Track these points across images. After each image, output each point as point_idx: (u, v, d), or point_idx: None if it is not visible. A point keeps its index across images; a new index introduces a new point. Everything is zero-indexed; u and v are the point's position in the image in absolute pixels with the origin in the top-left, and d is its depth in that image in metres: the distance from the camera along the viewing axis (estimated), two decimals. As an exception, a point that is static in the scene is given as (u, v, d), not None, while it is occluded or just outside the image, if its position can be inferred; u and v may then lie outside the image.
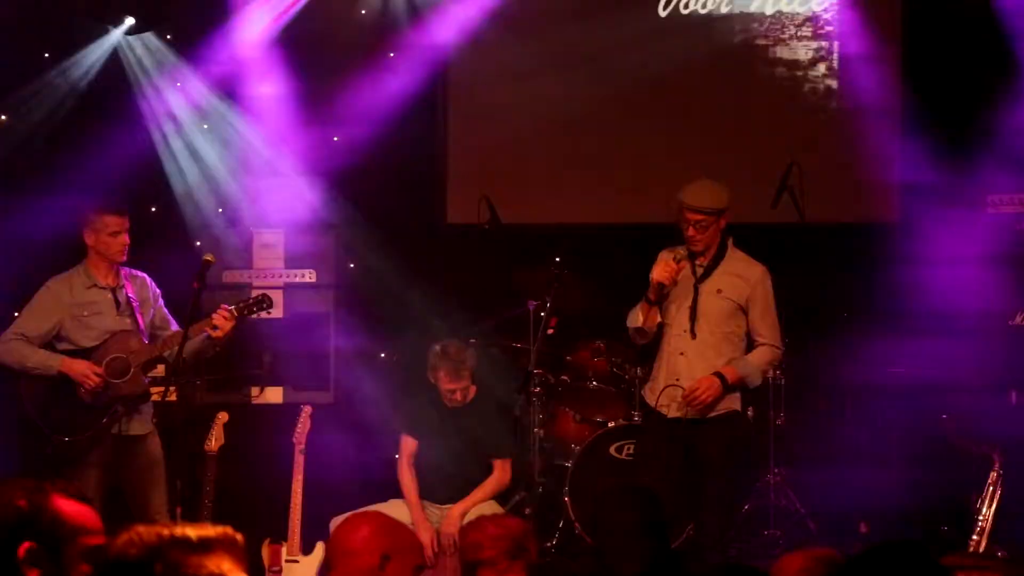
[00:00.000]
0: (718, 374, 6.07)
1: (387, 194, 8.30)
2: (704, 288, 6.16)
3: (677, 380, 6.16)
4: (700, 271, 6.20)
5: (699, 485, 6.07)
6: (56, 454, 6.25)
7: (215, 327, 6.23)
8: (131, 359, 6.27)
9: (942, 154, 7.94)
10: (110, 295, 6.37)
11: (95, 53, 8.05)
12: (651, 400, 6.30)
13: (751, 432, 7.41)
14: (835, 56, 8.43)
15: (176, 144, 8.19)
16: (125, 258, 6.39)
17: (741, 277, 6.18)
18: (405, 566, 3.65)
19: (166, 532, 2.25)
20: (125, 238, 6.35)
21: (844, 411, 7.92)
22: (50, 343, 6.32)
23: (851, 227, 8.17)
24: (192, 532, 2.26)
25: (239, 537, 2.29)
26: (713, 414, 6.12)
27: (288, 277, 8.33)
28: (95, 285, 6.37)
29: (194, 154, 8.21)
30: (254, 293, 8.19)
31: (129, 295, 6.40)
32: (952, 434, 6.77)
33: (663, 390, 6.19)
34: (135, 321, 6.37)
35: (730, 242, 6.27)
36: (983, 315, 7.66)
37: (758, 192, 7.86)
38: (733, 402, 6.19)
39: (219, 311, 6.27)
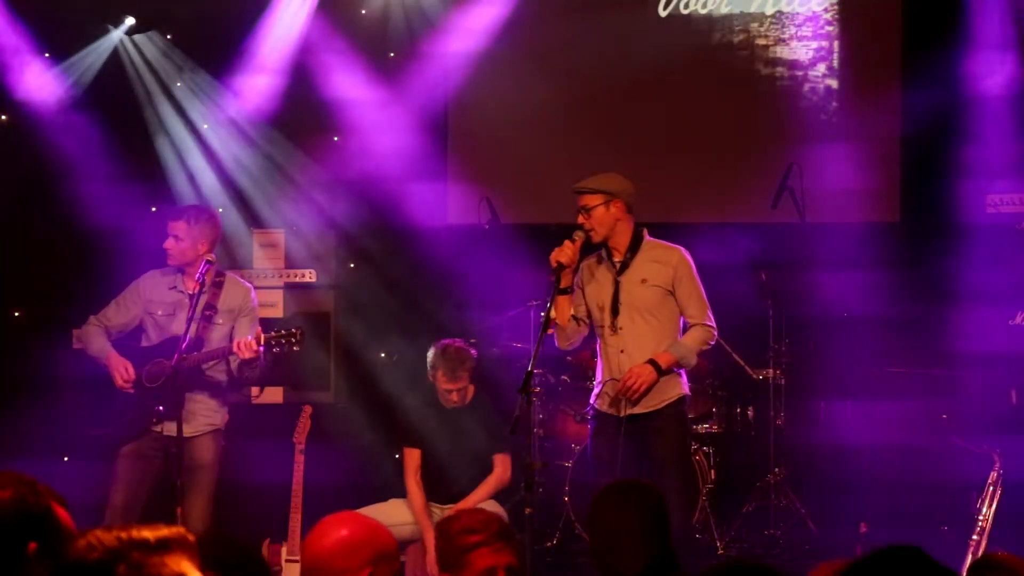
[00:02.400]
0: (651, 361, 6.00)
1: (387, 194, 8.30)
2: (626, 280, 6.10)
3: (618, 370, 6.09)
4: (618, 266, 6.17)
5: (658, 483, 6.01)
6: (87, 445, 6.52)
7: (235, 352, 6.27)
8: (167, 367, 6.30)
9: (942, 154, 7.94)
10: (187, 300, 6.40)
11: (95, 52, 8.07)
12: (596, 403, 6.22)
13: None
14: (835, 56, 8.43)
15: (177, 143, 8.20)
16: (172, 262, 6.48)
17: (660, 262, 6.11)
18: (389, 570, 3.45)
19: (124, 534, 2.27)
20: (167, 242, 6.46)
21: (845, 410, 7.93)
22: (135, 334, 6.55)
23: (851, 227, 8.17)
24: (149, 533, 2.27)
25: (191, 537, 2.32)
26: (662, 404, 6.04)
27: (288, 277, 8.33)
28: (176, 287, 6.51)
29: (195, 153, 8.22)
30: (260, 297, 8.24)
31: (212, 303, 6.43)
32: (952, 434, 6.78)
33: (603, 386, 6.13)
34: (203, 329, 6.40)
35: (645, 233, 6.22)
36: (983, 315, 7.67)
37: (758, 192, 7.87)
38: (680, 388, 6.09)
39: (243, 342, 6.24)
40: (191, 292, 6.36)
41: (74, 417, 6.62)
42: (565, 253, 6.00)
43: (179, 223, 6.44)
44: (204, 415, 6.46)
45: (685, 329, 6.15)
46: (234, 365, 6.41)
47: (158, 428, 6.37)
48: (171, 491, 6.27)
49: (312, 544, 3.43)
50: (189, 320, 6.18)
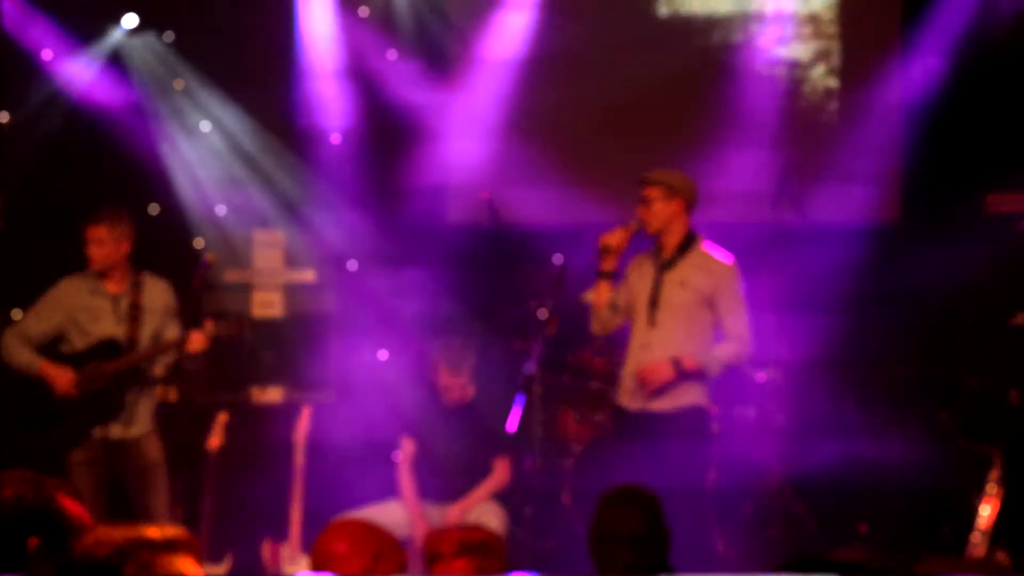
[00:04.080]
0: (673, 359, 6.00)
1: (388, 193, 8.31)
2: (667, 278, 6.11)
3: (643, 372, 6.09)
4: (664, 263, 6.18)
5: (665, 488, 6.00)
6: (33, 452, 6.38)
7: (189, 344, 6.27)
8: (106, 368, 6.29)
9: (943, 153, 7.95)
10: (110, 302, 6.41)
11: (97, 51, 8.07)
12: (617, 397, 6.26)
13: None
14: (835, 56, 8.43)
15: (178, 142, 8.21)
16: (97, 267, 6.41)
17: (707, 270, 6.11)
18: (393, 565, 3.72)
19: (132, 533, 2.29)
20: (91, 250, 6.39)
21: (844, 410, 7.93)
22: (55, 342, 6.43)
23: (851, 227, 8.17)
24: (155, 533, 2.29)
25: (194, 539, 2.35)
26: (675, 408, 6.04)
27: (288, 277, 8.33)
28: (98, 291, 6.45)
29: (196, 152, 8.22)
30: (254, 294, 8.24)
31: (136, 303, 6.42)
32: (953, 434, 6.79)
33: (622, 380, 6.17)
34: (132, 330, 6.39)
35: (701, 237, 6.23)
36: (983, 315, 7.67)
37: (758, 192, 7.88)
38: (697, 397, 6.09)
39: (195, 337, 6.25)
40: (113, 293, 6.40)
41: (15, 424, 6.58)
42: (614, 237, 6.13)
43: (99, 228, 6.39)
44: (147, 415, 6.44)
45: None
46: (163, 361, 6.38)
47: (100, 433, 6.34)
48: (124, 494, 6.34)
49: (323, 542, 3.76)
50: (194, 314, 6.15)
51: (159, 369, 6.55)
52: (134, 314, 6.41)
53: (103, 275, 6.45)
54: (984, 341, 7.60)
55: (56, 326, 6.43)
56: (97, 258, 6.41)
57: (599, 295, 6.20)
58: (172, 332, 6.43)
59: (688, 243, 6.15)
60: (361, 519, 3.99)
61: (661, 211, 6.12)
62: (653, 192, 6.14)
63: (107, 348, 6.36)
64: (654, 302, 6.08)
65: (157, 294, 6.52)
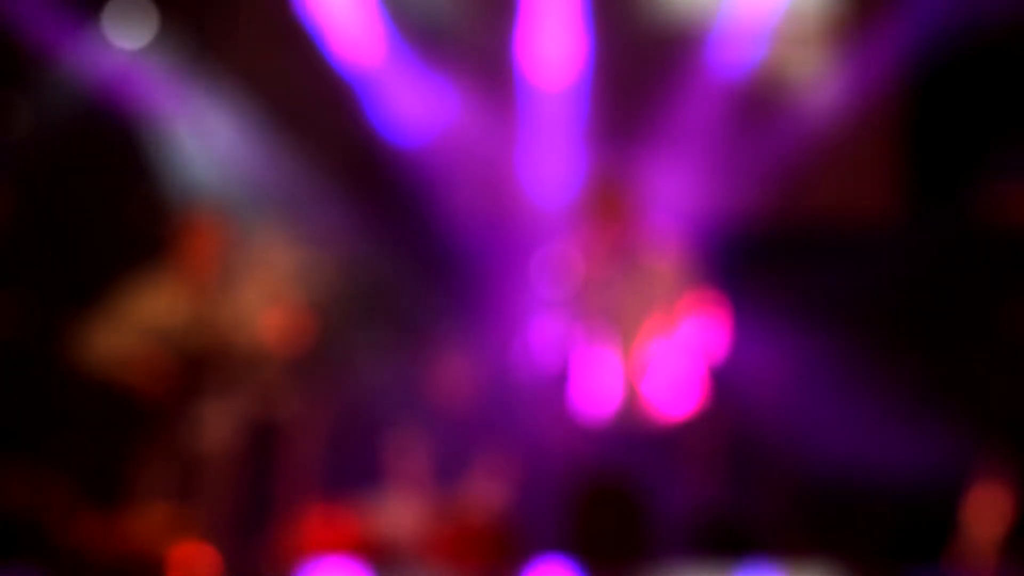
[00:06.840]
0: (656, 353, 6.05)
1: (388, 193, 8.33)
2: (622, 284, 6.18)
3: (626, 383, 6.15)
4: (618, 268, 6.21)
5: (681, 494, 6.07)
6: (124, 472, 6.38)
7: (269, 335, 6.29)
8: (196, 366, 6.26)
9: (944, 153, 7.96)
10: (201, 299, 6.40)
11: (113, 42, 8.10)
12: (606, 410, 6.27)
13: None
14: (835, 57, 8.44)
15: (184, 141, 8.24)
16: (199, 267, 6.48)
17: (658, 267, 6.22)
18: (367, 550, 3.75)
19: (143, 534, 2.32)
20: (202, 249, 6.50)
21: (845, 409, 7.95)
22: (147, 344, 6.35)
23: (851, 226, 8.19)
24: (164, 533, 2.33)
25: (198, 535, 2.38)
26: (673, 416, 6.08)
27: (288, 276, 8.33)
28: (183, 287, 6.43)
29: (196, 149, 8.25)
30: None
31: (216, 300, 6.41)
32: (954, 434, 6.81)
33: (621, 394, 6.18)
34: (216, 325, 6.37)
35: (654, 238, 6.28)
36: (983, 315, 7.69)
37: (756, 191, 7.89)
38: (694, 399, 6.13)
39: (272, 324, 6.28)
40: (196, 289, 6.41)
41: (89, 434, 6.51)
42: (582, 251, 6.15)
43: (212, 230, 6.55)
44: (219, 423, 6.39)
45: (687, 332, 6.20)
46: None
47: (187, 450, 6.25)
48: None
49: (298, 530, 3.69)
50: None
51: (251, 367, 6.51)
52: (217, 311, 6.38)
53: (182, 271, 6.46)
54: (984, 340, 7.61)
55: (146, 325, 6.35)
56: (204, 257, 6.44)
57: (577, 309, 6.22)
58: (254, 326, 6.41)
59: (642, 246, 6.21)
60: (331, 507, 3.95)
61: (617, 219, 6.17)
62: (608, 200, 6.19)
63: (194, 346, 6.31)
64: (613, 309, 6.12)
65: (240, 290, 6.50)
